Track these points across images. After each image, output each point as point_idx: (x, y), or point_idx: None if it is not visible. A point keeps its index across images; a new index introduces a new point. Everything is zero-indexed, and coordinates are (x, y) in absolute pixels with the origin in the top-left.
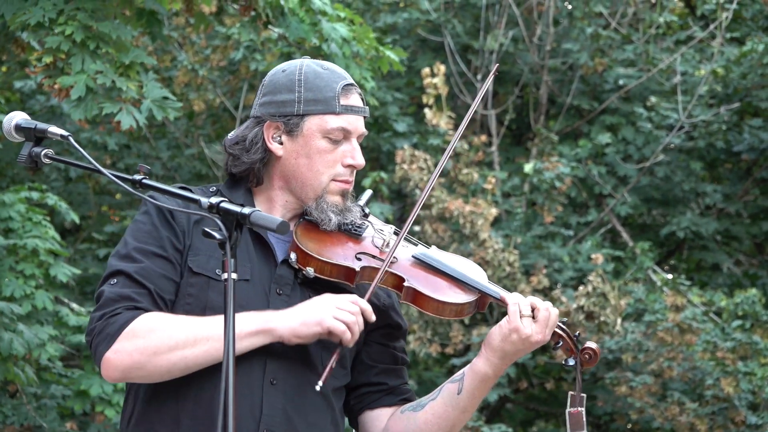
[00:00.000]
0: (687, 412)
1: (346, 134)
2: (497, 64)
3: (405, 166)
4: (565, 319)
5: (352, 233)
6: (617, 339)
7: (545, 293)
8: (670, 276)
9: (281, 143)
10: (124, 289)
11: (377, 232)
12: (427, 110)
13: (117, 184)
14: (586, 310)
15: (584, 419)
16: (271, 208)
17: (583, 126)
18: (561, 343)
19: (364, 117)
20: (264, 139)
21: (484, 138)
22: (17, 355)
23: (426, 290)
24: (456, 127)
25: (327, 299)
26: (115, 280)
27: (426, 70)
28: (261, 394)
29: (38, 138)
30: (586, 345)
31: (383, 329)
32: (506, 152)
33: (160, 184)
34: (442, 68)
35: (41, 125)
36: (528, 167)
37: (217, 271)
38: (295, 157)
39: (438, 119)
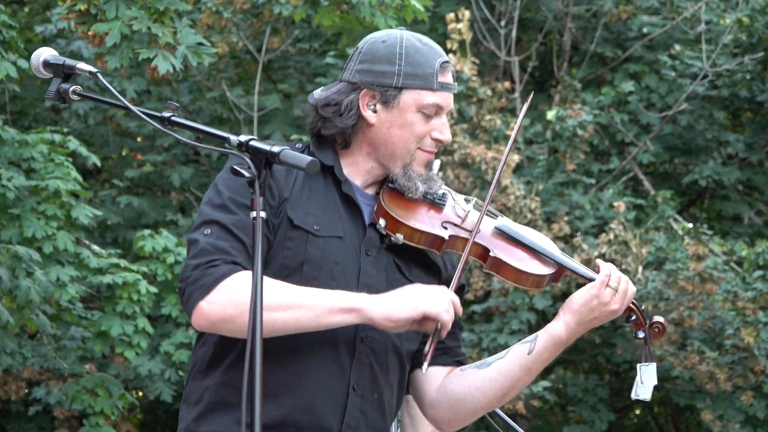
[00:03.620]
0: (707, 361)
1: (438, 110)
2: (533, 92)
3: None
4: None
5: (435, 203)
6: (638, 287)
7: (566, 240)
8: (690, 225)
9: (375, 111)
10: (219, 241)
11: (456, 202)
12: (451, 56)
13: (145, 121)
14: (608, 258)
15: (651, 391)
16: (355, 172)
17: (606, 74)
18: (633, 317)
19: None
20: (359, 105)
21: (507, 84)
22: (33, 302)
23: (510, 261)
24: (479, 73)
25: (420, 287)
26: (209, 230)
27: (450, 16)
28: (354, 346)
29: (66, 74)
30: (655, 319)
31: None
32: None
33: (188, 121)
34: (467, 14)
35: (70, 61)
36: (551, 114)
37: (315, 227)
38: (387, 127)
39: (462, 65)
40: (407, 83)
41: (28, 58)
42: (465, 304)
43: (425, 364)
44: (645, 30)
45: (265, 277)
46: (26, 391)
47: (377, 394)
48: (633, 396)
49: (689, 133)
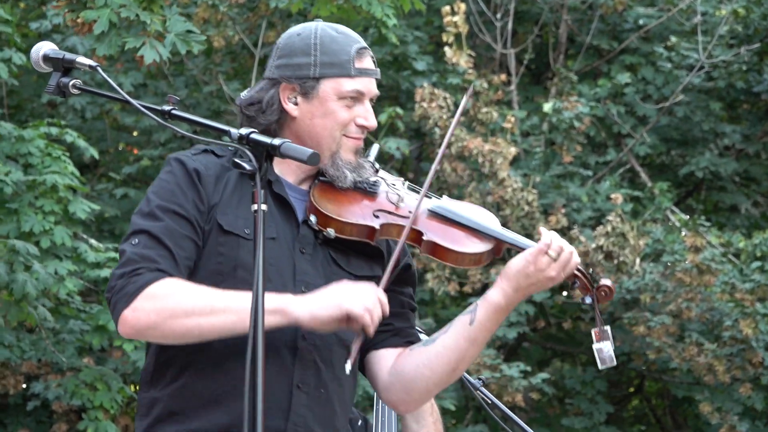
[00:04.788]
0: (705, 353)
1: (359, 96)
2: (472, 85)
3: (424, 105)
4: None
5: (367, 191)
6: (635, 279)
7: (563, 232)
8: (687, 217)
9: (296, 104)
10: (146, 250)
11: (390, 187)
12: (447, 49)
13: (146, 114)
14: (605, 250)
15: (612, 353)
16: (287, 170)
17: (603, 65)
18: (577, 282)
19: (377, 79)
20: (280, 100)
21: (503, 77)
22: (29, 295)
23: (444, 242)
24: (476, 66)
25: (346, 285)
26: (137, 240)
27: (446, 9)
28: (295, 344)
29: (66, 68)
30: (601, 282)
31: (400, 275)
32: (525, 91)
33: (189, 114)
34: (462, 6)
35: (69, 55)
36: (547, 107)
37: (246, 230)
38: (310, 118)
39: (458, 58)
40: (324, 72)
41: (25, 52)
42: (463, 296)
43: (347, 364)
44: (641, 22)
45: (189, 283)
46: (24, 385)
47: (323, 389)
48: (601, 368)
49: (686, 124)
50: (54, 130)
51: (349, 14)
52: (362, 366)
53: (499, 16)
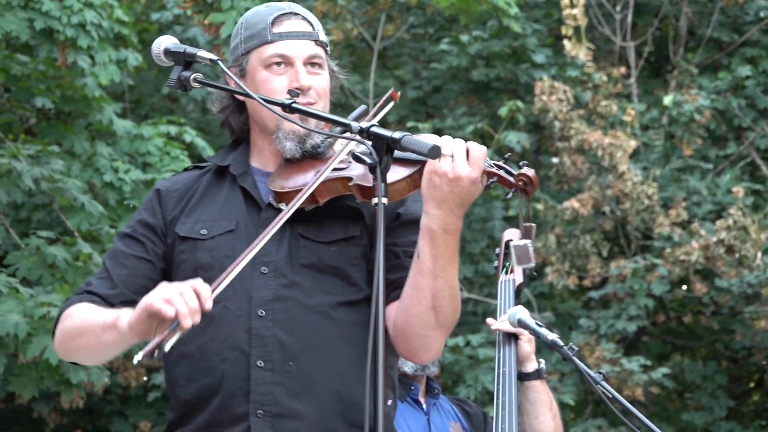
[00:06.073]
0: None
1: (286, 60)
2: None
3: (544, 98)
4: (507, 156)
5: (316, 155)
6: (757, 273)
7: (684, 226)
8: None
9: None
10: (93, 277)
11: (337, 145)
12: (566, 41)
13: (267, 107)
14: (726, 244)
15: (531, 252)
16: (265, 160)
17: (723, 58)
18: (495, 178)
19: (316, 41)
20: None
21: (623, 70)
22: None
23: (366, 182)
24: (595, 58)
25: (161, 286)
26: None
27: (565, 2)
28: (249, 324)
29: (187, 62)
30: (519, 172)
31: (389, 227)
32: (645, 84)
33: (308, 108)
34: None
35: (191, 49)
36: (667, 99)
37: (202, 231)
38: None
39: (577, 51)
40: (248, 47)
41: (143, 49)
42: (582, 290)
43: (138, 355)
44: (762, 14)
45: (91, 305)
46: (145, 378)
47: (292, 362)
48: (517, 266)
49: None
50: (173, 129)
51: (470, 4)
52: None
53: (618, 8)
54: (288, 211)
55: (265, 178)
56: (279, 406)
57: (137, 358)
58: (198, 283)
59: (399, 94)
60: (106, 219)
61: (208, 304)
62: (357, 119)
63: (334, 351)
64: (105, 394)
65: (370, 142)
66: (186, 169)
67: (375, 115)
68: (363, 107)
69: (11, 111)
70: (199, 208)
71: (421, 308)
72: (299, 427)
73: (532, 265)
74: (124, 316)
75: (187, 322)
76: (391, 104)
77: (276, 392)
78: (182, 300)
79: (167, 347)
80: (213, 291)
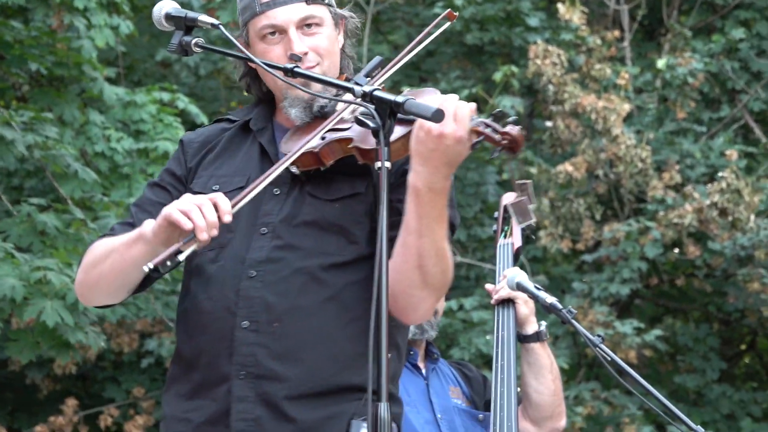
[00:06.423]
0: None
1: (278, 29)
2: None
3: (538, 62)
4: (495, 112)
5: (326, 116)
6: (750, 236)
7: (677, 189)
8: None
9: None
10: (116, 223)
11: (346, 107)
12: (560, 5)
13: (269, 71)
14: (720, 207)
15: (530, 208)
16: (288, 120)
17: (717, 21)
18: (481, 138)
19: (306, 1)
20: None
21: (616, 33)
22: None
23: (365, 144)
24: (588, 22)
25: (184, 196)
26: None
27: None
28: (238, 284)
29: (188, 27)
30: (502, 130)
31: (395, 183)
32: (638, 47)
33: (310, 72)
34: None
35: (191, 14)
36: (661, 63)
37: (214, 187)
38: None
39: (571, 14)
40: (245, 18)
41: (134, 17)
42: (575, 253)
43: (150, 263)
44: None
45: (109, 236)
46: (139, 343)
47: (277, 323)
48: (519, 225)
49: None
50: (166, 96)
51: None
52: None
53: None
54: (288, 158)
55: (285, 134)
56: (261, 368)
57: (149, 264)
58: (219, 196)
59: (456, 15)
60: (99, 186)
61: (227, 218)
62: (370, 72)
63: (323, 313)
64: (98, 360)
65: (372, 106)
66: (217, 120)
67: (428, 35)
68: (378, 59)
69: (4, 78)
70: (217, 162)
71: (407, 266)
72: (281, 389)
73: (532, 221)
74: (148, 224)
75: (203, 236)
76: (447, 24)
77: (258, 353)
78: (200, 213)
79: (182, 257)
80: (234, 206)
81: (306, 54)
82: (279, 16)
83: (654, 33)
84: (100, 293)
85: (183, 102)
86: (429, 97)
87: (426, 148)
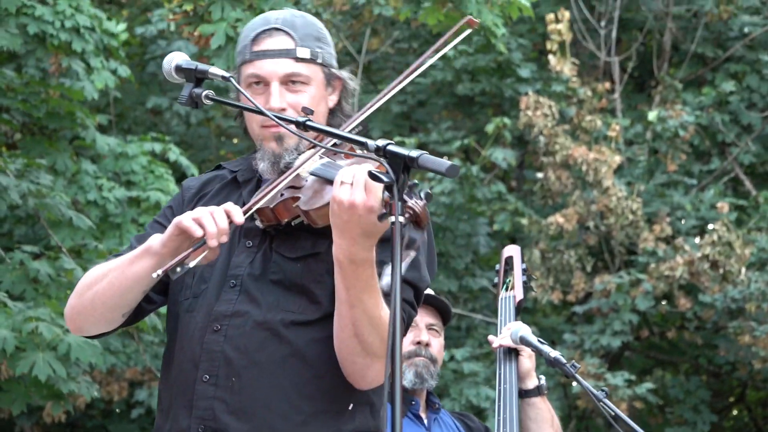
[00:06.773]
0: None
1: (263, 80)
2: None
3: (529, 113)
4: (409, 184)
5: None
6: (741, 288)
7: (668, 241)
8: None
9: None
10: (114, 254)
11: (303, 164)
12: (551, 56)
13: (281, 125)
14: (711, 259)
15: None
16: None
17: (707, 74)
18: (389, 209)
19: (295, 58)
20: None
21: (607, 85)
22: None
23: (306, 205)
24: (579, 73)
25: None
26: None
27: (550, 17)
28: (203, 337)
29: (198, 79)
30: (406, 204)
31: None
32: (629, 99)
33: (323, 126)
34: (567, 14)
35: (202, 66)
36: (652, 115)
37: None
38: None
39: (561, 65)
40: (237, 61)
41: (128, 63)
42: (566, 305)
43: (158, 270)
44: (746, 30)
45: (103, 262)
46: (128, 392)
47: (235, 378)
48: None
49: None
50: (158, 147)
51: (457, 22)
52: None
53: (603, 23)
54: (250, 205)
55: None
56: (218, 422)
57: (158, 271)
58: (230, 205)
59: (478, 21)
60: (91, 235)
61: (239, 218)
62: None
63: (281, 370)
64: (87, 408)
65: (385, 160)
66: (218, 167)
67: (447, 42)
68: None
69: None
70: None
71: (344, 335)
72: None
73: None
74: (155, 237)
75: (213, 243)
76: (467, 31)
77: (216, 408)
78: (211, 220)
79: (192, 264)
80: (245, 214)
81: (284, 110)
82: (265, 67)
83: (644, 85)
84: (92, 318)
85: (174, 154)
86: (346, 166)
87: (341, 220)
